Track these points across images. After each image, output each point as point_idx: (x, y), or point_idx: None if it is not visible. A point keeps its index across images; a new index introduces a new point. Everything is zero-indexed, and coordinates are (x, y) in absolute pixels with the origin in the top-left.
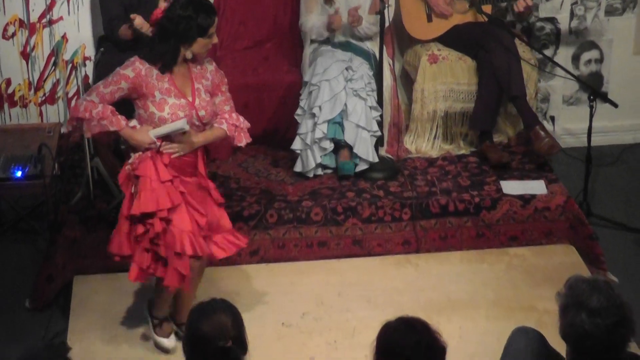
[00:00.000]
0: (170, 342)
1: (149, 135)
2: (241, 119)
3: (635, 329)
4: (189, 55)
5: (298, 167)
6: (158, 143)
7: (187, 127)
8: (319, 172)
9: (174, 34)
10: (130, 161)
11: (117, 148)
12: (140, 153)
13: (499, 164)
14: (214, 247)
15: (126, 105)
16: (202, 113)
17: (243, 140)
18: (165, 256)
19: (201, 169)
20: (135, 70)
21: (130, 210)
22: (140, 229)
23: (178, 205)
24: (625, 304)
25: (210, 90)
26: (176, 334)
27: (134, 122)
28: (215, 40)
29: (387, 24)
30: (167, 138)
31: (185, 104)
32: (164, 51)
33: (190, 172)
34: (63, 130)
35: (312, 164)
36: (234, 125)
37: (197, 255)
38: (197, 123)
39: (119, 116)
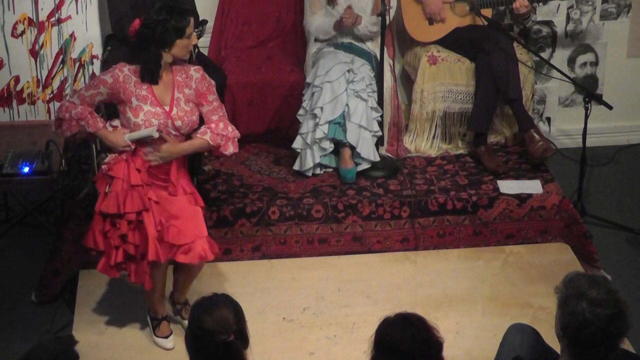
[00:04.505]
0: (168, 342)
1: (123, 138)
2: (229, 128)
3: (629, 325)
4: (169, 59)
5: (297, 166)
6: (132, 147)
7: (156, 135)
8: (318, 171)
9: (152, 39)
10: (106, 160)
11: None
12: (117, 154)
13: (494, 173)
14: (179, 254)
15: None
16: (178, 123)
17: (230, 149)
18: (135, 255)
19: (172, 176)
20: (114, 76)
21: (100, 207)
22: (108, 225)
23: (145, 210)
24: (622, 299)
25: (194, 100)
26: (175, 312)
27: (116, 122)
28: (194, 40)
29: (387, 23)
30: (145, 145)
31: (160, 112)
32: (146, 59)
33: (162, 178)
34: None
35: (310, 164)
36: (219, 135)
37: (157, 260)
38: (174, 132)
39: (98, 118)
